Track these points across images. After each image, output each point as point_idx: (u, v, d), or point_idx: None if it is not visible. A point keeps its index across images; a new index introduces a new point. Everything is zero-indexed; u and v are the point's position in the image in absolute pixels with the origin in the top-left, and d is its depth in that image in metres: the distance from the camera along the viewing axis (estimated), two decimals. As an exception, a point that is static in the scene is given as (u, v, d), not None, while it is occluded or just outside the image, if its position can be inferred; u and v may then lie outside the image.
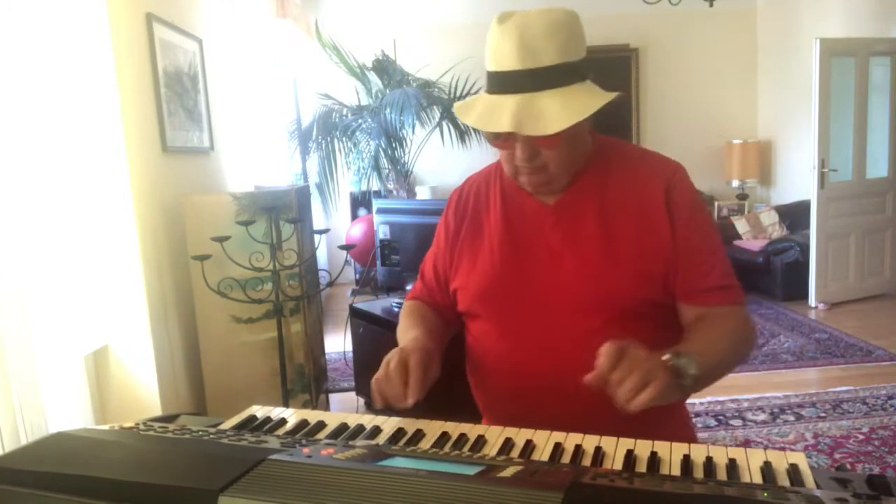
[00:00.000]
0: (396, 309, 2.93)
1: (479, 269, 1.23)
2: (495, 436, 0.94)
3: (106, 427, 0.86)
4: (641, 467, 0.84)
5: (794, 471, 0.79)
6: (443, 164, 5.87)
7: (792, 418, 2.97)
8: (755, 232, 5.64)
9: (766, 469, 0.80)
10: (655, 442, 0.89)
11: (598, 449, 0.88)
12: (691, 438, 1.26)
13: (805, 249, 4.87)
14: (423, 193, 5.96)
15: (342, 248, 2.72)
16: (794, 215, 5.48)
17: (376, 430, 0.98)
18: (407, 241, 3.02)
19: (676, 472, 0.83)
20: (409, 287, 1.47)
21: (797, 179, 5.72)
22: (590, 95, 1.07)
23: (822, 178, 4.71)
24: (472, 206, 1.30)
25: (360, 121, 5.29)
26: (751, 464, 0.82)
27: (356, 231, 5.55)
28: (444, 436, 0.96)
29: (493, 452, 0.90)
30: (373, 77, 5.49)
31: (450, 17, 6.05)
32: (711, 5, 4.89)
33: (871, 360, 3.71)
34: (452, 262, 1.28)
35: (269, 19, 4.21)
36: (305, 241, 2.74)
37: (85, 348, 2.05)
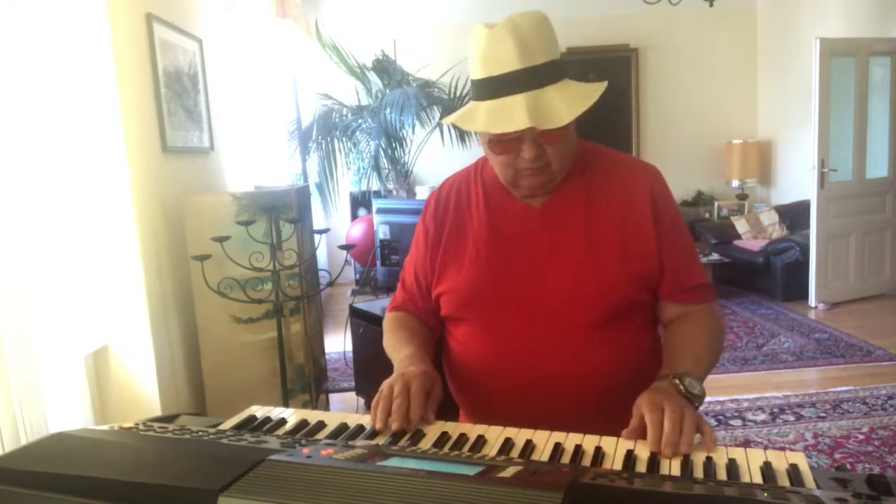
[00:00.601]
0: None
1: (466, 273, 1.22)
2: (495, 436, 0.94)
3: (106, 427, 0.86)
4: (641, 467, 0.84)
5: (794, 471, 0.79)
6: (443, 164, 5.85)
7: (792, 418, 2.97)
8: (755, 232, 5.64)
9: (766, 469, 0.80)
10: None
11: (598, 449, 0.88)
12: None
13: (805, 249, 4.87)
14: (423, 193, 5.96)
15: (342, 248, 2.72)
16: (794, 215, 5.48)
17: (376, 431, 0.98)
18: (407, 241, 3.00)
19: (676, 472, 0.83)
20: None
21: (797, 179, 5.72)
22: (583, 87, 1.11)
23: (822, 178, 4.71)
24: (454, 209, 1.29)
25: (360, 121, 5.29)
26: (751, 464, 0.82)
27: (356, 231, 5.55)
28: (444, 436, 0.95)
29: (493, 452, 0.90)
30: (373, 77, 5.49)
31: (450, 17, 6.05)
32: (711, 5, 4.89)
33: (871, 360, 3.71)
34: (434, 267, 1.27)
35: (269, 19, 4.21)
36: (305, 241, 2.74)
37: (85, 348, 2.05)
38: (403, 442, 0.95)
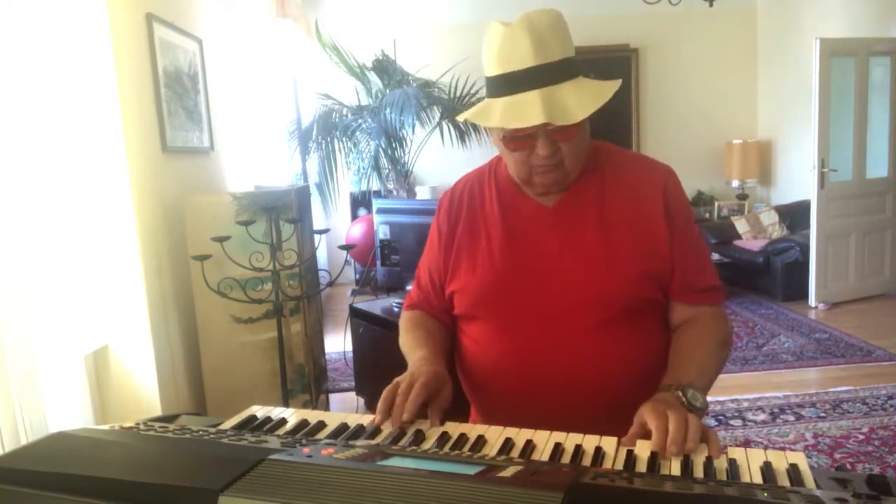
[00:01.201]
0: (396, 309, 2.93)
1: (479, 272, 1.23)
2: (495, 436, 0.94)
3: (106, 427, 0.86)
4: (641, 467, 0.84)
5: (794, 471, 0.79)
6: (443, 164, 5.86)
7: (792, 418, 2.97)
8: (755, 232, 5.64)
9: (766, 469, 0.80)
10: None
11: (598, 449, 0.88)
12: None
13: (805, 249, 4.87)
14: (423, 193, 5.96)
15: (342, 248, 2.72)
16: (794, 215, 5.48)
17: (376, 431, 0.98)
18: (407, 241, 3.03)
19: (676, 472, 0.83)
20: (408, 287, 1.46)
21: (797, 179, 5.72)
22: (598, 84, 1.12)
23: (822, 178, 4.71)
24: (467, 207, 1.30)
25: (360, 121, 5.30)
26: (751, 464, 0.82)
27: (356, 231, 5.55)
28: (444, 436, 0.95)
29: (493, 452, 0.90)
30: (373, 77, 5.49)
31: (450, 17, 6.05)
32: (711, 5, 4.89)
33: (871, 360, 3.71)
34: (448, 266, 1.28)
35: (269, 19, 4.21)
36: (305, 241, 2.74)
37: (85, 348, 2.05)
38: (404, 442, 0.95)
